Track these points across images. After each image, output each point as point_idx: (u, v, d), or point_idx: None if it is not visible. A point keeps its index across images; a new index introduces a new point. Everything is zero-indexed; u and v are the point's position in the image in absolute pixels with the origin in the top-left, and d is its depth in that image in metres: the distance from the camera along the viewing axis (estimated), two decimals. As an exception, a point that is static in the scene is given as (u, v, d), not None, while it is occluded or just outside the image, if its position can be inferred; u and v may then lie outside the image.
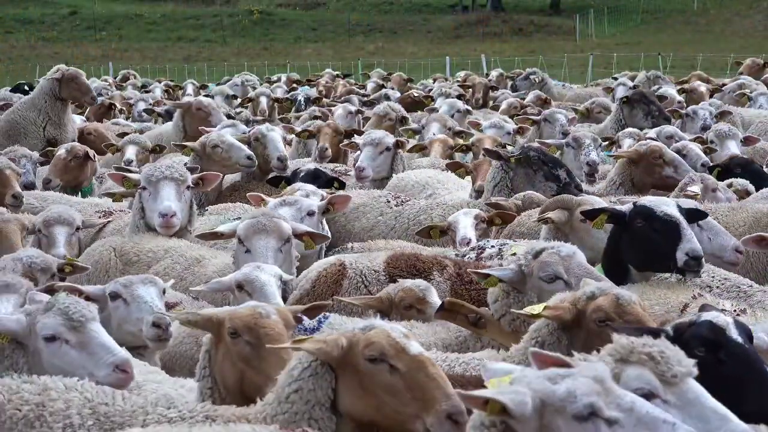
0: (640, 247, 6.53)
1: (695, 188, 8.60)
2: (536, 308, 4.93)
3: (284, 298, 6.25)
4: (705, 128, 12.93)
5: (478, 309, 5.67)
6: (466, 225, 7.90)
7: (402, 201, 9.18)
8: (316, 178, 9.69)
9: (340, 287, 6.59)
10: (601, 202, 7.29)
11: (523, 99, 18.16)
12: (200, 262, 7.52)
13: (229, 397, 4.52)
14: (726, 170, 9.58)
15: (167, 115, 15.61)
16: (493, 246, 7.35)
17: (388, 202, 9.17)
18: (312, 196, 8.17)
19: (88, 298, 5.48)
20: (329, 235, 7.85)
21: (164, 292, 5.81)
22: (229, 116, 15.64)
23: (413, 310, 6.06)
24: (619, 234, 6.65)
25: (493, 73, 23.60)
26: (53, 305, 4.94)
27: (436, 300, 6.09)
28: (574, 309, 4.82)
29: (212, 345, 4.62)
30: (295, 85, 23.18)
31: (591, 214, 6.69)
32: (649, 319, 4.81)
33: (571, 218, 7.12)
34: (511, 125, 13.33)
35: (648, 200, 6.73)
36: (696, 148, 10.48)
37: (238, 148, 10.22)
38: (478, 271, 5.89)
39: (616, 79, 22.20)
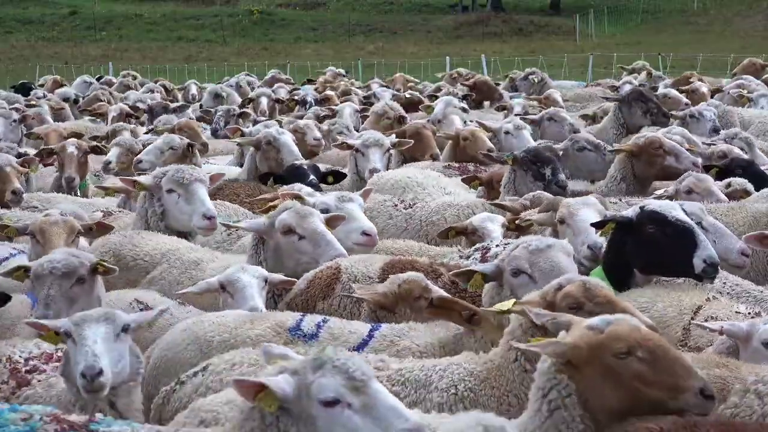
0: (654, 253, 6.51)
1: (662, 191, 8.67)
2: (506, 304, 4.93)
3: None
4: (716, 130, 12.83)
5: (472, 306, 5.67)
6: (498, 234, 7.86)
7: (409, 204, 9.20)
8: (315, 171, 9.93)
9: (333, 291, 6.56)
10: (575, 203, 7.21)
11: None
12: (198, 265, 7.46)
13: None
14: (726, 171, 9.55)
15: (150, 113, 15.57)
16: (498, 245, 7.33)
17: (396, 206, 9.20)
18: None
19: (57, 333, 5.14)
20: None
21: (126, 329, 5.04)
22: (205, 118, 15.72)
23: (422, 299, 5.99)
24: (624, 238, 6.61)
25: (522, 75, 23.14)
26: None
27: (436, 288, 6.09)
28: (544, 302, 4.84)
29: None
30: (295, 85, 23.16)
31: (599, 225, 6.70)
32: (620, 301, 4.78)
33: (554, 219, 7.17)
34: None
35: (656, 205, 6.70)
36: (736, 149, 10.50)
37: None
38: (460, 270, 5.93)
39: (629, 70, 22.25)
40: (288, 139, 10.70)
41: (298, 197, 7.87)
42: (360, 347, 5.51)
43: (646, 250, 6.53)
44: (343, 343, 5.54)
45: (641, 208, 6.67)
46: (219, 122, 15.85)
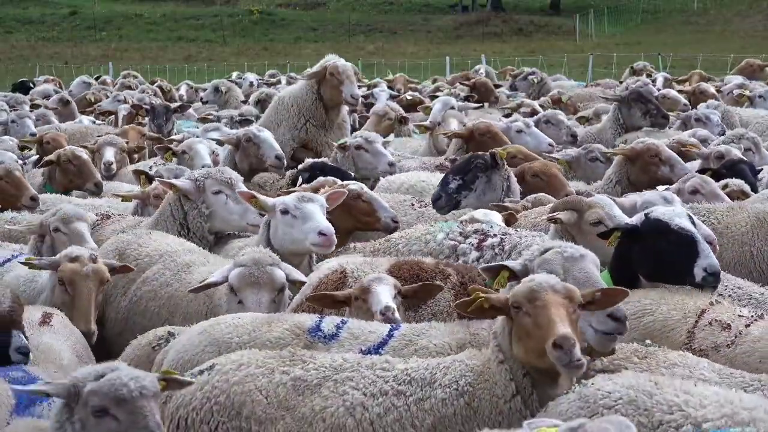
0: (656, 261, 6.48)
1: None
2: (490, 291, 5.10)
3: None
4: (722, 134, 12.82)
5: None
6: (503, 226, 7.93)
7: (425, 204, 9.31)
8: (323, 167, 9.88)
9: None
10: (610, 203, 7.25)
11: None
12: (189, 267, 7.38)
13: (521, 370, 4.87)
14: (717, 172, 9.52)
15: (152, 113, 15.57)
16: (495, 235, 7.35)
17: (413, 205, 9.33)
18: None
19: None
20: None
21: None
22: (207, 119, 15.71)
23: (360, 301, 6.05)
24: (629, 245, 6.58)
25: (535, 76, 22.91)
26: None
27: (382, 295, 6.01)
28: (508, 298, 4.97)
29: (506, 324, 4.93)
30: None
31: (605, 235, 6.66)
32: (552, 306, 4.80)
33: (580, 220, 7.08)
34: None
35: (661, 212, 6.65)
36: (734, 150, 10.50)
37: (202, 157, 10.59)
38: (490, 265, 5.86)
39: (633, 70, 22.34)
40: (268, 135, 10.75)
41: (252, 197, 7.70)
42: (380, 346, 5.53)
43: (650, 258, 6.49)
44: (363, 342, 5.57)
45: (646, 215, 6.62)
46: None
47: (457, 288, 6.41)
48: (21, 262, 7.30)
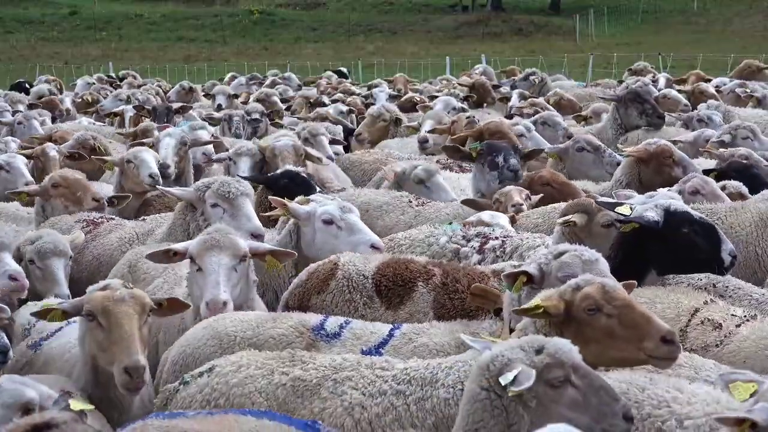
0: (686, 253, 6.58)
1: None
2: (531, 303, 4.96)
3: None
4: None
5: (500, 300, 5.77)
6: (510, 229, 8.01)
7: (422, 202, 9.37)
8: (305, 181, 9.52)
9: (327, 287, 6.56)
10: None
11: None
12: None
13: None
14: (723, 174, 9.49)
15: (154, 113, 15.57)
16: (497, 237, 7.41)
17: (410, 202, 9.37)
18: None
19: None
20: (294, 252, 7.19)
21: None
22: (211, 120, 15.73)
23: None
24: (645, 240, 6.60)
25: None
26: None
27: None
28: (562, 301, 4.90)
29: (554, 328, 4.86)
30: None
31: (623, 224, 6.70)
32: (638, 304, 4.90)
33: (591, 223, 7.11)
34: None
35: (679, 205, 6.74)
36: (755, 155, 10.46)
37: (148, 166, 9.92)
38: (513, 271, 5.80)
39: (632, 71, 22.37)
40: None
41: (284, 205, 7.55)
42: (381, 345, 5.58)
43: (679, 250, 6.57)
44: (365, 343, 5.60)
45: (666, 209, 6.65)
46: (238, 128, 15.76)
47: (438, 289, 6.41)
48: (32, 314, 5.95)
